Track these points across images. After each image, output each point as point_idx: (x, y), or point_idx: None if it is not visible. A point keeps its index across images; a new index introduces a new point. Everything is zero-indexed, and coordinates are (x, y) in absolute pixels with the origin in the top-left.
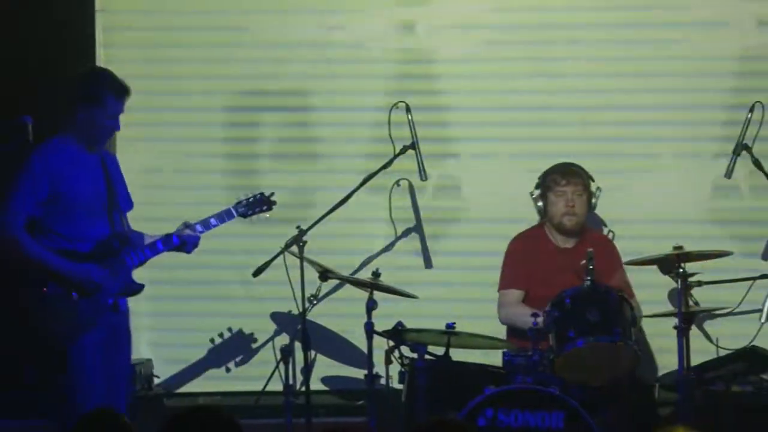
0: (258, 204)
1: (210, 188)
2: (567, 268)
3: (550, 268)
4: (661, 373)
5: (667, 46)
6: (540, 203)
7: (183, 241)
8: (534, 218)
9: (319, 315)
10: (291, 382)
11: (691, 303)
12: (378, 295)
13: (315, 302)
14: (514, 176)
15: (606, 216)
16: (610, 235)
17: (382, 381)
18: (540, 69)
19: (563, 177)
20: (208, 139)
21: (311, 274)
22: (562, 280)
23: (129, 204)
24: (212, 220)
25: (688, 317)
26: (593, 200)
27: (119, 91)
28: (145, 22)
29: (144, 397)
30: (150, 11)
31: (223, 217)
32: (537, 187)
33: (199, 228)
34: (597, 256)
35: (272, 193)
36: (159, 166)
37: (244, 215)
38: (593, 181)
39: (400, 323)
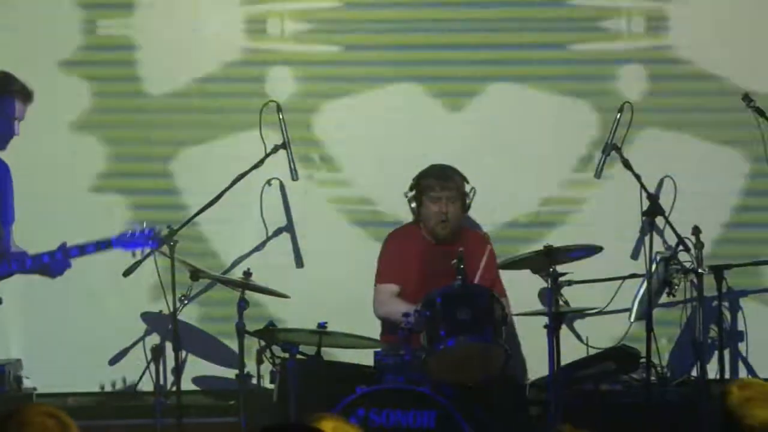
0: (143, 240)
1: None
2: (441, 267)
3: (425, 267)
4: (531, 372)
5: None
6: (413, 205)
7: (50, 264)
8: (405, 219)
9: (190, 315)
10: (162, 382)
11: (561, 302)
12: (249, 294)
13: (186, 302)
14: (386, 176)
15: (480, 216)
16: (484, 235)
17: (254, 381)
18: (409, 70)
19: (438, 182)
20: None
21: (182, 274)
22: (437, 278)
23: (11, 217)
24: (89, 248)
25: (558, 317)
26: (468, 201)
27: (22, 94)
28: None
29: (13, 398)
30: None
31: (101, 246)
32: (411, 189)
33: (74, 252)
34: (471, 256)
35: (160, 230)
36: None
37: (124, 247)
38: (467, 182)
39: (271, 323)
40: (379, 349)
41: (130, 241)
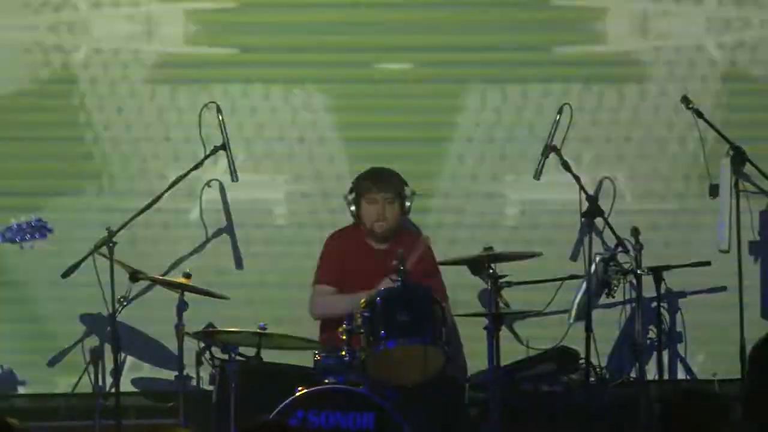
0: (31, 231)
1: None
2: (381, 269)
3: (364, 269)
4: (471, 373)
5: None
6: (353, 207)
7: None
8: (346, 221)
9: (129, 317)
10: (101, 384)
11: (501, 304)
12: (189, 296)
13: (125, 304)
14: (325, 178)
15: (420, 219)
16: (424, 237)
17: (193, 382)
18: (344, 72)
19: (374, 184)
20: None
21: (121, 276)
22: (376, 280)
23: None
24: None
25: (498, 318)
26: (408, 204)
27: None
28: None
29: None
30: None
31: None
32: (350, 191)
33: None
34: (410, 257)
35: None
36: None
37: (12, 241)
38: (407, 185)
39: (211, 324)
40: (318, 351)
41: (19, 234)
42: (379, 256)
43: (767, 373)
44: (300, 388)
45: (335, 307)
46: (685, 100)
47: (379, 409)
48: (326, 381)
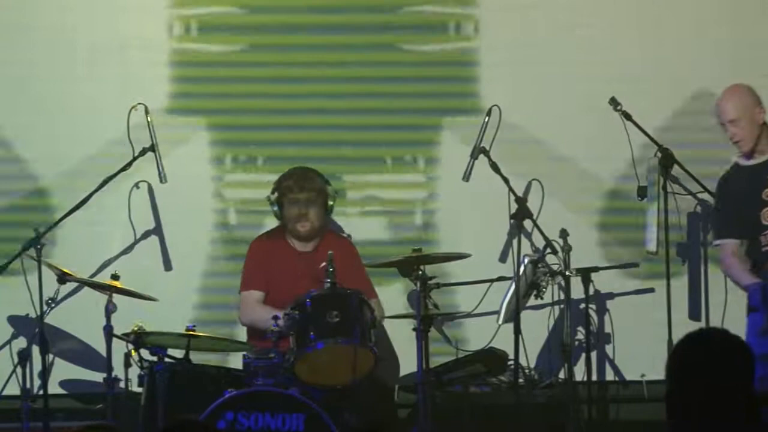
0: None
1: None
2: (307, 272)
3: (290, 272)
4: (400, 375)
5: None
6: (276, 208)
7: None
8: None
9: (57, 318)
10: (28, 386)
11: (430, 305)
12: (118, 298)
13: (53, 305)
14: (252, 178)
15: (346, 218)
16: (349, 238)
17: (122, 384)
18: (280, 73)
19: (296, 184)
20: None
21: (49, 277)
22: (303, 283)
23: None
24: None
25: (427, 319)
26: (330, 203)
27: None
28: None
29: None
30: None
31: None
32: (273, 192)
33: None
34: (337, 259)
35: None
36: None
37: None
38: (330, 185)
39: (139, 326)
40: (248, 352)
41: None
42: (304, 260)
43: (686, 373)
44: (229, 390)
45: (261, 318)
46: (613, 101)
47: (308, 410)
48: (256, 383)
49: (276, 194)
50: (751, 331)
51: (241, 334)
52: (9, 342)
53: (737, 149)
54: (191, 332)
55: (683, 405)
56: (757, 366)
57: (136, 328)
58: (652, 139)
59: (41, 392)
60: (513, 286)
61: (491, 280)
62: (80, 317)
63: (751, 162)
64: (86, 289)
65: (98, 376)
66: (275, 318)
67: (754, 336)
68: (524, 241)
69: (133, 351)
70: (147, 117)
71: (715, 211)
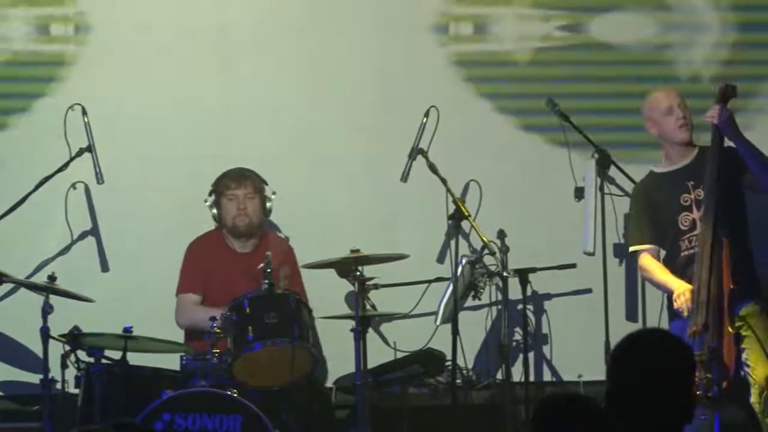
0: None
1: None
2: (245, 273)
3: (228, 273)
4: (338, 375)
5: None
6: (214, 210)
7: None
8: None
9: None
10: None
11: (368, 306)
12: (54, 299)
13: None
14: (192, 179)
15: (285, 219)
16: (287, 239)
17: (58, 386)
18: (220, 71)
19: (234, 181)
20: None
21: None
22: (241, 284)
23: None
24: None
25: (365, 320)
26: (268, 204)
27: None
28: None
29: None
30: None
31: None
32: (210, 193)
33: None
34: (274, 259)
35: None
36: None
37: None
38: (267, 184)
39: (76, 327)
40: (185, 354)
41: None
42: (243, 261)
43: (626, 373)
44: (167, 391)
45: (200, 319)
46: (551, 102)
47: (246, 411)
48: (193, 384)
49: (213, 195)
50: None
51: (179, 336)
52: None
53: (678, 136)
54: (128, 334)
55: (622, 405)
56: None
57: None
58: (589, 140)
59: None
60: (451, 287)
61: (429, 281)
62: (16, 318)
63: (668, 169)
64: (22, 290)
65: (35, 378)
66: (213, 319)
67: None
68: (462, 242)
69: (69, 352)
70: (84, 118)
71: (630, 218)
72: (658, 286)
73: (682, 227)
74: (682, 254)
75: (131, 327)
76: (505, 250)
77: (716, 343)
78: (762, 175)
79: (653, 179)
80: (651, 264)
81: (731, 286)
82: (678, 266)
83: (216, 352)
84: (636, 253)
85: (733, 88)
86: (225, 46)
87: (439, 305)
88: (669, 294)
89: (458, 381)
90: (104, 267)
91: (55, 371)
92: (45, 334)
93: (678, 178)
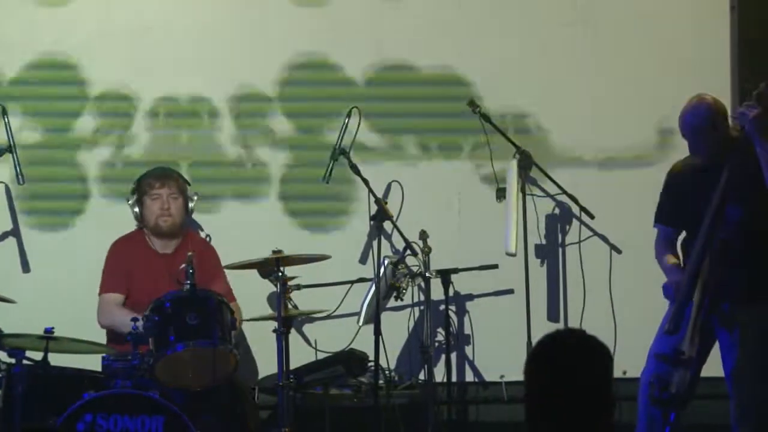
0: None
1: None
2: (167, 273)
3: (150, 273)
4: (260, 376)
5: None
6: (136, 209)
7: None
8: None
9: None
10: None
11: (290, 306)
12: None
13: None
14: (114, 179)
15: (208, 220)
16: (208, 239)
17: None
18: (136, 70)
19: (158, 180)
20: None
21: None
22: (163, 285)
23: None
24: None
25: (287, 321)
26: (191, 204)
27: None
28: None
29: None
30: None
31: None
32: (132, 192)
33: None
34: (197, 260)
35: None
36: None
37: None
38: (189, 185)
39: None
40: (107, 354)
41: None
42: (165, 261)
43: (544, 374)
44: (88, 392)
45: (121, 320)
46: (472, 104)
47: (168, 412)
48: (115, 385)
49: (136, 194)
50: (660, 328)
51: (101, 337)
52: None
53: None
54: (50, 334)
55: (542, 406)
56: (656, 365)
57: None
58: (510, 140)
59: None
60: (373, 288)
61: (351, 282)
62: None
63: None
64: None
65: None
66: (135, 320)
67: (660, 333)
68: (384, 242)
69: None
70: (4, 118)
71: (660, 195)
72: (662, 270)
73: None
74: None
75: (52, 328)
76: (427, 250)
77: (685, 347)
78: None
79: (688, 167)
80: (660, 246)
81: (717, 291)
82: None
83: (138, 353)
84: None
85: None
86: (143, 47)
87: (362, 306)
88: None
89: (380, 381)
90: (25, 268)
91: None
92: None
93: (708, 173)
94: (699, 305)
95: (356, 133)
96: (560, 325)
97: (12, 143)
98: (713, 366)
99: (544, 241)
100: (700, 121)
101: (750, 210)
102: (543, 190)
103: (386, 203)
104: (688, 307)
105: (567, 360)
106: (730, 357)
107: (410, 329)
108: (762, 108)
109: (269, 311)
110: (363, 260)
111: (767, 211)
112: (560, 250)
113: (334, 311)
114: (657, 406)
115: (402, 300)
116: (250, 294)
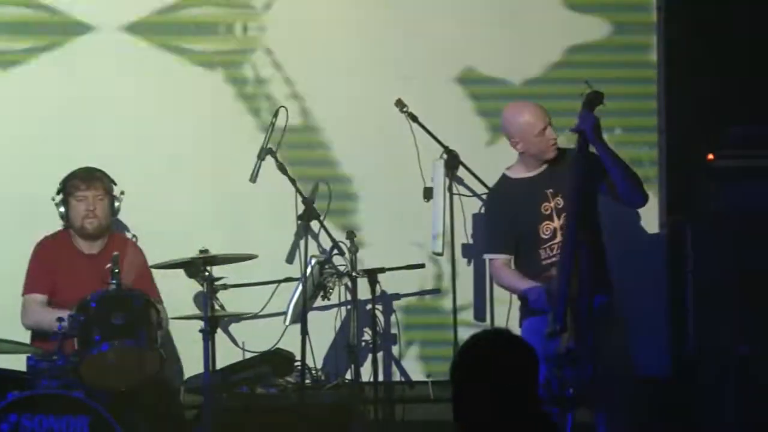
0: None
1: None
2: (93, 274)
3: (75, 274)
4: (187, 376)
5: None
6: (62, 209)
7: None
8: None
9: None
10: None
11: (216, 306)
12: None
13: None
14: (38, 177)
15: (134, 219)
16: (134, 239)
17: None
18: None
19: (83, 182)
20: None
21: None
22: (89, 285)
23: None
24: None
25: (213, 321)
26: (117, 204)
27: None
28: None
29: None
30: None
31: None
32: (58, 192)
33: None
34: (122, 260)
35: None
36: None
37: None
38: (115, 184)
39: None
40: (32, 355)
41: None
42: (90, 261)
43: (471, 374)
44: (13, 392)
45: (46, 320)
46: (400, 103)
47: (93, 412)
48: (40, 385)
49: (62, 194)
50: (530, 334)
51: (26, 337)
52: None
53: (550, 154)
54: None
55: (469, 406)
56: (549, 368)
57: None
58: (437, 140)
59: None
60: (300, 287)
61: (278, 281)
62: None
63: (524, 175)
64: None
65: None
66: (60, 320)
67: (536, 340)
68: (311, 242)
69: None
70: None
71: (486, 224)
72: (511, 288)
73: (543, 236)
74: (543, 263)
75: None
76: (354, 250)
77: (573, 344)
78: (623, 185)
79: (509, 185)
80: (504, 270)
81: (590, 289)
82: (537, 274)
83: (63, 353)
84: (490, 261)
85: (600, 95)
86: (71, 45)
87: (288, 305)
88: (520, 295)
89: (307, 381)
90: None
91: None
92: None
93: (536, 186)
94: (578, 302)
95: (284, 132)
96: (487, 325)
97: None
98: None
99: (470, 241)
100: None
101: (588, 207)
102: (470, 189)
103: (313, 203)
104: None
105: (494, 360)
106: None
107: (337, 329)
108: (592, 110)
109: (196, 311)
110: (290, 260)
111: (596, 209)
112: None
113: (261, 311)
114: (557, 406)
115: (329, 299)
116: (176, 294)
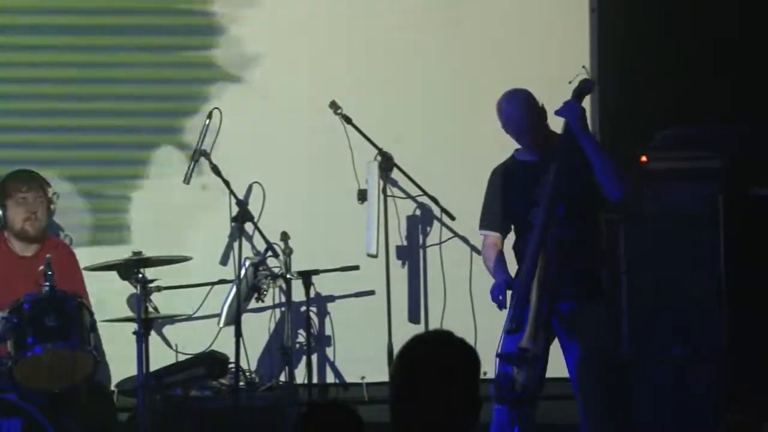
0: None
1: None
2: (28, 276)
3: (9, 276)
4: (120, 378)
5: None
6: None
7: None
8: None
9: None
10: None
11: (150, 308)
12: None
13: None
14: None
15: (66, 221)
16: (68, 240)
17: None
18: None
19: (24, 184)
20: None
21: None
22: (23, 287)
23: None
24: None
25: (147, 323)
26: (52, 206)
27: None
28: None
29: None
30: None
31: None
32: None
33: None
34: (55, 262)
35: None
36: None
37: None
38: (50, 186)
39: None
40: None
41: None
42: (24, 264)
43: (411, 375)
44: None
45: None
46: (334, 105)
47: (26, 415)
48: None
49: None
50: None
51: None
52: None
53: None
54: None
55: (408, 407)
56: (501, 365)
57: None
58: (371, 142)
59: None
60: (234, 289)
61: (212, 283)
62: None
63: (528, 158)
64: None
65: None
66: None
67: (503, 334)
68: (246, 244)
69: None
70: None
71: (484, 198)
72: (489, 271)
73: (533, 221)
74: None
75: None
76: (288, 252)
77: (528, 344)
78: (605, 179)
79: (512, 166)
80: (488, 251)
81: (554, 295)
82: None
83: None
84: (483, 235)
85: (592, 84)
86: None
87: (223, 307)
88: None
89: (241, 383)
90: None
91: None
92: None
93: (534, 171)
94: (538, 303)
95: (218, 133)
96: (421, 327)
97: None
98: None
99: (405, 243)
100: (520, 109)
101: (576, 207)
102: (404, 191)
103: (247, 204)
104: (528, 306)
105: (433, 361)
106: (570, 357)
107: (271, 331)
108: (581, 99)
109: (129, 313)
110: (224, 261)
111: (592, 208)
112: (421, 251)
113: (195, 313)
114: (506, 405)
115: (263, 301)
116: (109, 295)
